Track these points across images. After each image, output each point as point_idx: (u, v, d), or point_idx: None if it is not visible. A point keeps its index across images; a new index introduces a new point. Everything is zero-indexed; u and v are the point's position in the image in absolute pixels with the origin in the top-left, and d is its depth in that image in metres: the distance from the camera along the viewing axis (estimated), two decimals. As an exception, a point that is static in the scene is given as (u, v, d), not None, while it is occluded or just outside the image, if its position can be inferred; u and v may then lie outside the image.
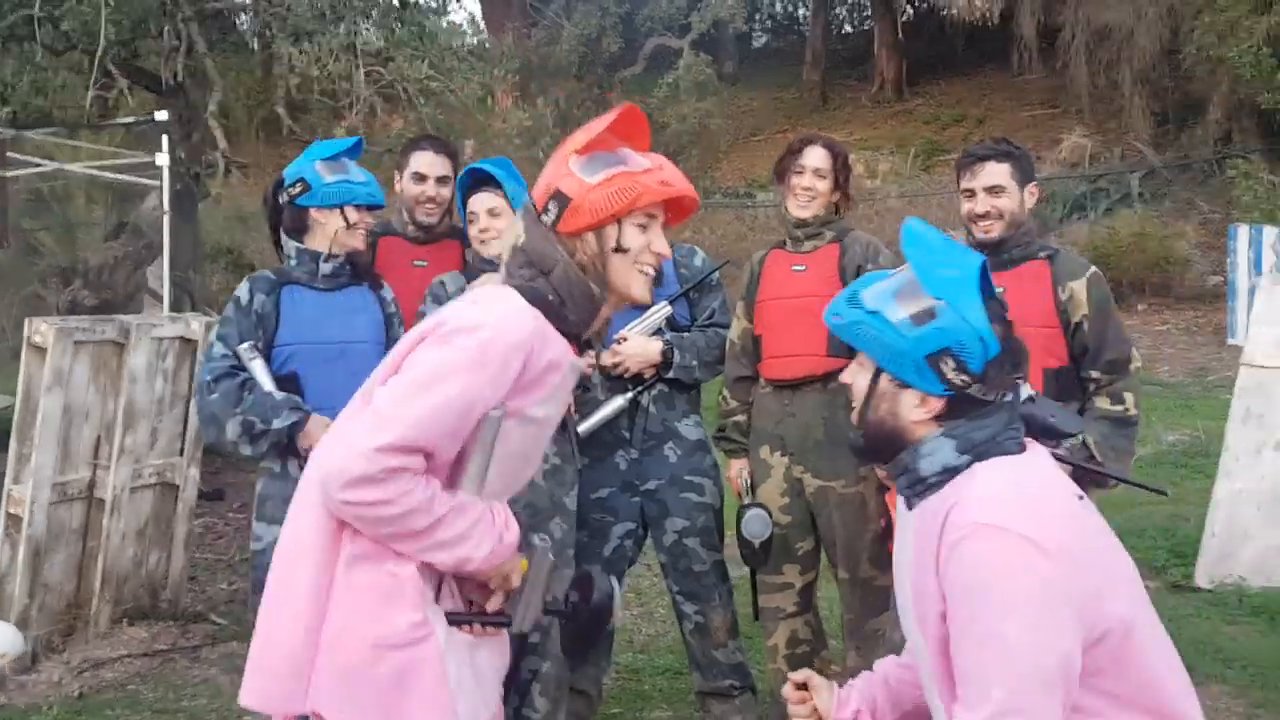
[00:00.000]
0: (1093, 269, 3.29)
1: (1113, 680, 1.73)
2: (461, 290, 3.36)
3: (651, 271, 2.07)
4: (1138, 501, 6.08)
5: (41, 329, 4.40)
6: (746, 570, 3.73)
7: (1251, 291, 11.61)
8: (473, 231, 3.44)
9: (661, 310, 3.62)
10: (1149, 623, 1.79)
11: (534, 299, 1.96)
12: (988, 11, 16.15)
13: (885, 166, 17.93)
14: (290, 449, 3.19)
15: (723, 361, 3.78)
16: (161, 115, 7.07)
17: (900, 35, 21.31)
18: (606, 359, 3.55)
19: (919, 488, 1.84)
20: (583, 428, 3.48)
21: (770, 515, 3.57)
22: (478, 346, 1.86)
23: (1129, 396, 3.19)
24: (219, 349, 3.25)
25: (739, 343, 3.71)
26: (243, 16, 9.38)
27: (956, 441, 1.80)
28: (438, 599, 1.97)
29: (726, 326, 3.79)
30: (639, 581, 5.40)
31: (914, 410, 1.81)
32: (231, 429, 3.15)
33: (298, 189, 3.26)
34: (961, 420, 1.79)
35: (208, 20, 8.27)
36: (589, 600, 2.10)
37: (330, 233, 3.29)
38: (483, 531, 1.94)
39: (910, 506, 1.91)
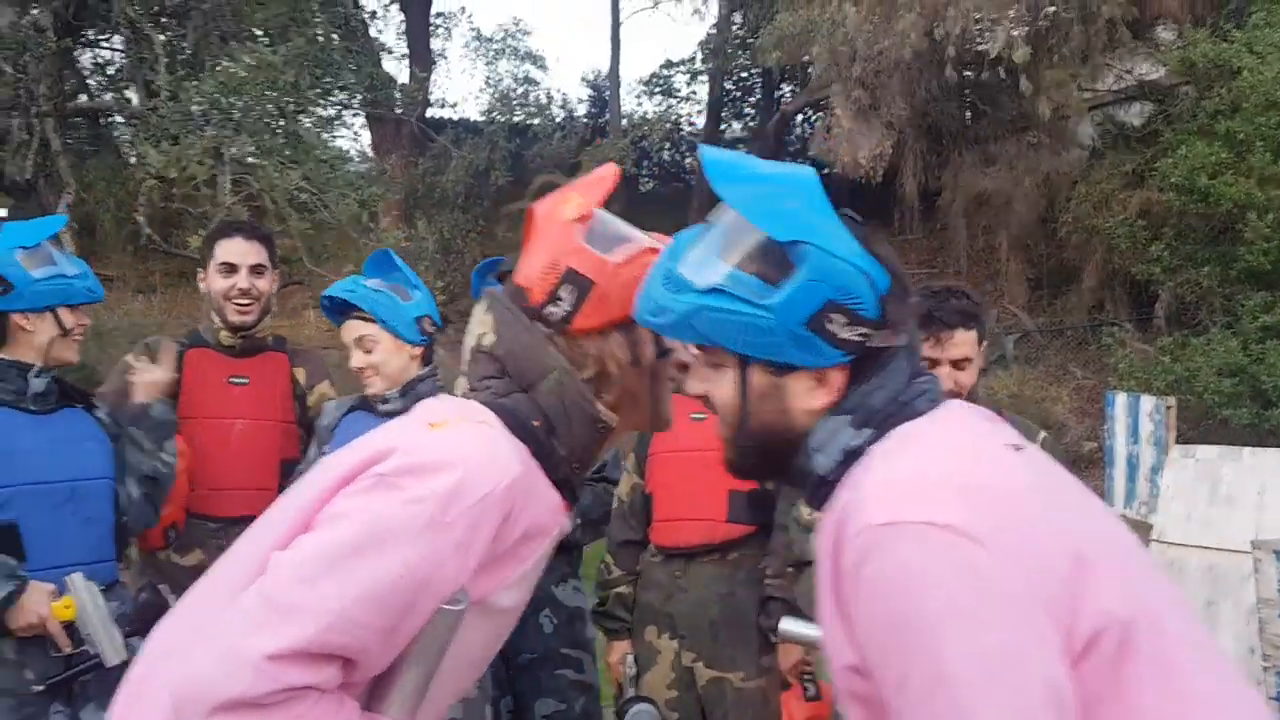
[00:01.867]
0: (1044, 434, 2.94)
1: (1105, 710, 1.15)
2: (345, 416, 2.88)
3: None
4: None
5: None
6: None
7: (1130, 459, 11.72)
8: (351, 366, 2.90)
9: None
10: (1164, 628, 1.19)
11: (514, 426, 1.39)
12: (871, 171, 16.49)
13: (769, 315, 18.03)
14: (0, 627, 2.48)
15: (608, 521, 3.33)
16: (1, 212, 6.49)
17: (785, 188, 21.84)
18: None
19: (823, 492, 1.30)
20: None
21: (659, 711, 3.04)
22: (438, 500, 1.26)
23: None
24: None
25: (627, 501, 3.26)
26: (111, 117, 8.85)
27: (852, 415, 1.29)
28: None
29: (615, 483, 3.37)
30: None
31: (809, 397, 1.30)
32: None
33: None
34: (856, 389, 1.29)
35: (67, 118, 7.73)
36: None
37: (41, 343, 2.64)
38: None
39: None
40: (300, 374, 3.31)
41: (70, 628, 2.44)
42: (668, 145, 26.77)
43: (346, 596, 1.22)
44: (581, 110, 29.56)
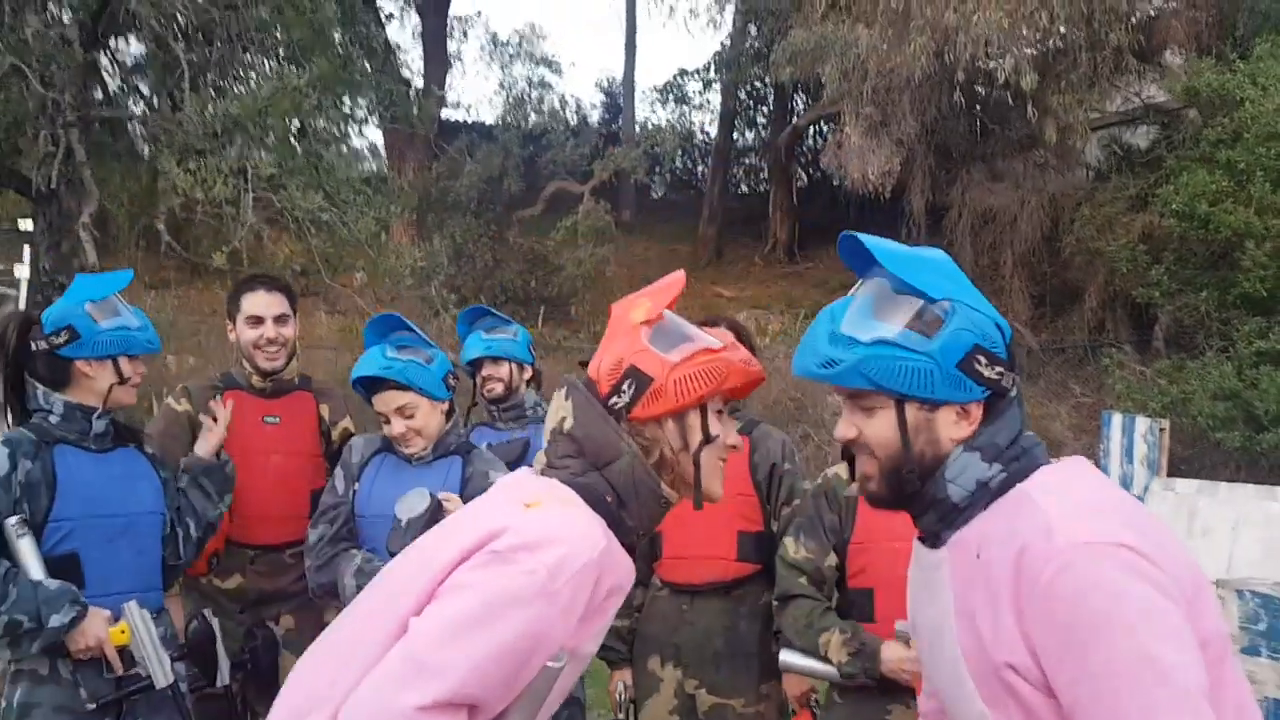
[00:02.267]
0: None
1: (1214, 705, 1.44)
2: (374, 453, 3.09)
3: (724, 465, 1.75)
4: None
5: None
6: None
7: (1123, 479, 11.90)
8: (387, 431, 3.07)
9: None
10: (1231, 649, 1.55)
11: (591, 501, 1.64)
12: (880, 186, 16.69)
13: (775, 326, 18.18)
14: (60, 647, 2.69)
15: None
16: (26, 225, 6.71)
17: (795, 200, 21.98)
18: None
19: (952, 518, 1.57)
20: None
21: None
22: (548, 571, 1.50)
23: None
24: None
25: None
26: (131, 125, 9.07)
27: (980, 451, 1.57)
28: None
29: None
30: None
31: (955, 428, 1.58)
32: None
33: (63, 338, 2.78)
34: (983, 428, 1.57)
35: (91, 126, 7.97)
36: None
37: (102, 389, 2.83)
38: None
39: (937, 545, 1.62)
40: (325, 410, 3.55)
41: (123, 651, 2.66)
42: (680, 153, 27.00)
43: (477, 655, 1.45)
44: (595, 116, 29.81)
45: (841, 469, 3.09)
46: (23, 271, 6.56)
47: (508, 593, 1.48)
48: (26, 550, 2.65)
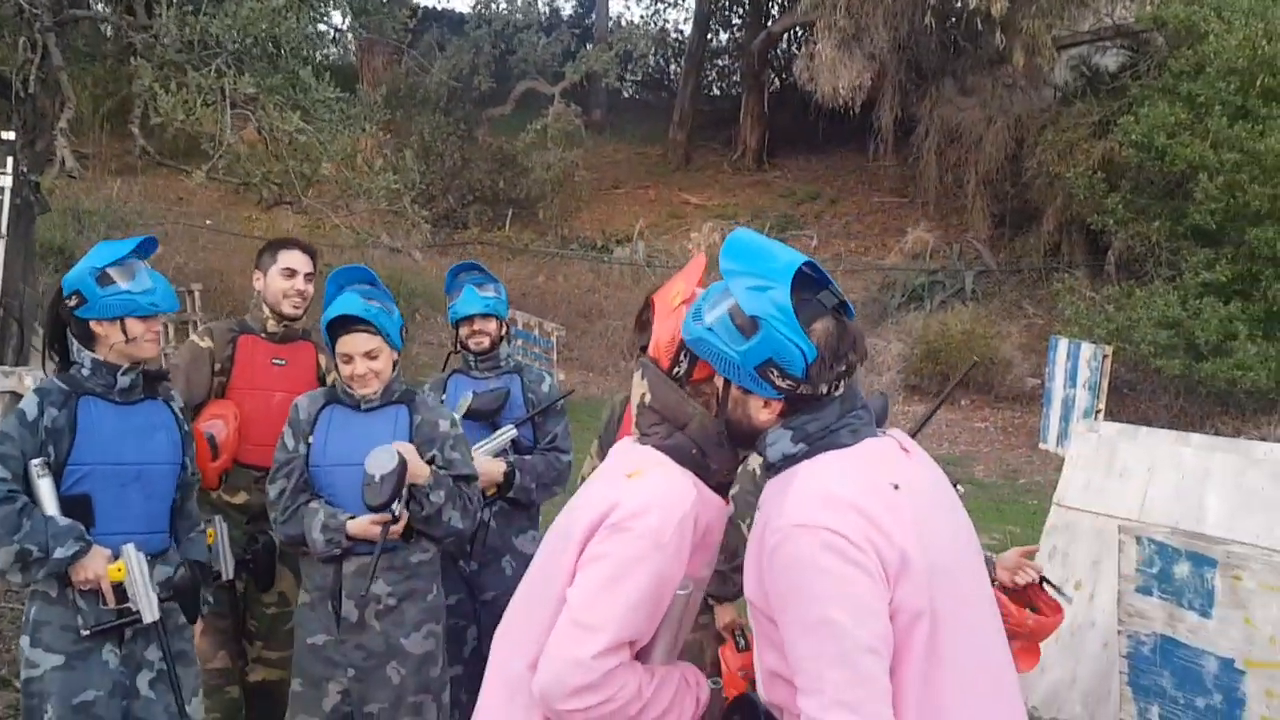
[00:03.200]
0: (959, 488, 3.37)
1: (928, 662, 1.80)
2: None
3: None
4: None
5: None
6: None
7: (1066, 401, 12.41)
8: (345, 371, 3.32)
9: (508, 433, 3.81)
10: (942, 620, 1.82)
11: (680, 458, 2.02)
12: (850, 100, 16.80)
13: (740, 237, 18.37)
14: (66, 576, 2.97)
15: (560, 484, 3.87)
16: (7, 134, 6.80)
17: (765, 107, 22.00)
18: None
19: (768, 471, 1.96)
20: None
21: None
22: (655, 532, 1.92)
23: None
24: None
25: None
26: (104, 28, 9.04)
27: (793, 432, 1.91)
28: None
29: (566, 452, 3.92)
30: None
31: (760, 412, 1.93)
32: (3, 558, 2.87)
33: (74, 301, 3.04)
34: (800, 414, 1.90)
35: (68, 29, 7.97)
36: None
37: (115, 345, 3.07)
38: (682, 697, 2.03)
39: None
40: (322, 360, 3.97)
41: (119, 587, 2.94)
42: (654, 52, 26.77)
43: (621, 607, 1.90)
44: (568, 9, 29.39)
45: None
46: (5, 180, 6.67)
47: (630, 556, 1.91)
48: (45, 490, 2.92)
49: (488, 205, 19.14)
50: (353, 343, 3.25)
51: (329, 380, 3.87)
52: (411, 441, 3.25)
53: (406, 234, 12.36)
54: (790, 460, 1.90)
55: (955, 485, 2.18)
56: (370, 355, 3.26)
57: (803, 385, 1.87)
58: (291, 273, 3.86)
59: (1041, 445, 12.16)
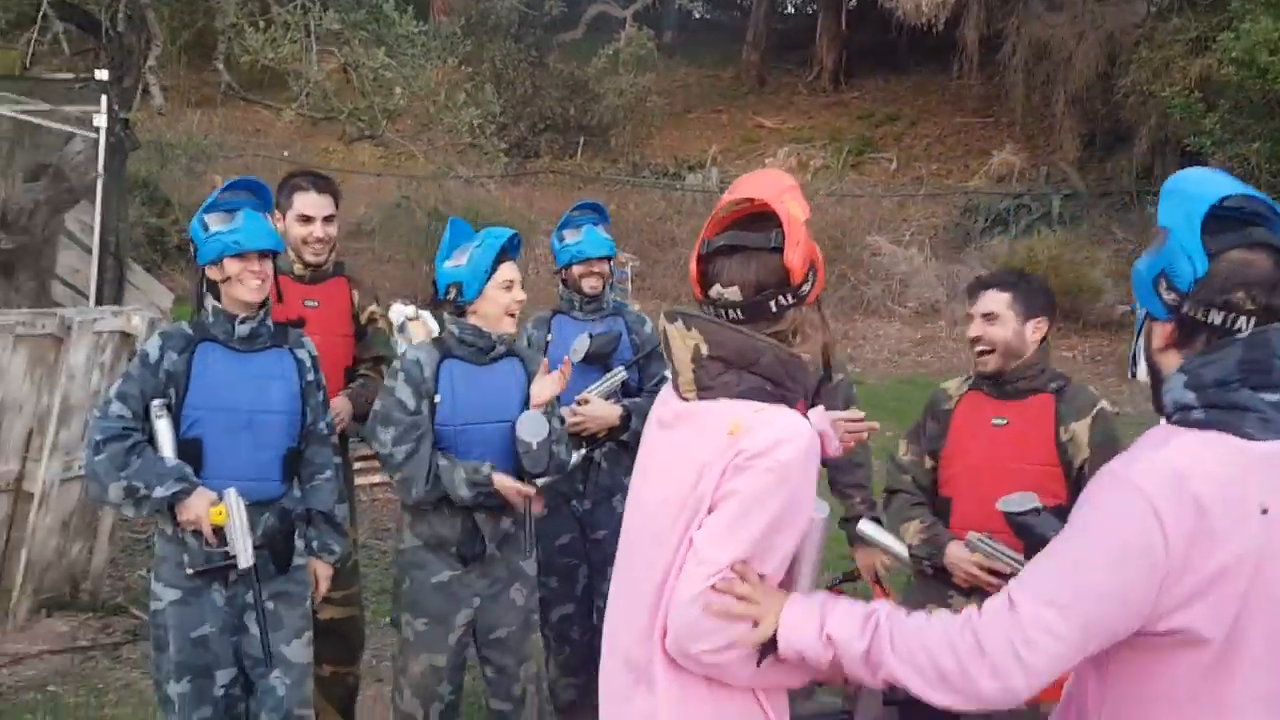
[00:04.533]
0: (1100, 405, 3.16)
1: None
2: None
3: None
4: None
5: (-21, 321, 4.27)
6: None
7: (1156, 330, 12.08)
8: (511, 300, 3.25)
9: (619, 375, 3.79)
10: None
11: (759, 398, 1.95)
12: (933, 17, 16.32)
13: (818, 163, 18.07)
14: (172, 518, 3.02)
15: None
16: (102, 74, 6.87)
17: (843, 25, 21.42)
18: (567, 416, 3.62)
19: (1168, 419, 1.80)
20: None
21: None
22: (782, 465, 1.87)
23: None
24: (116, 408, 3.00)
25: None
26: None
27: (1187, 376, 1.75)
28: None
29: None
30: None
31: (1159, 342, 1.80)
32: (114, 492, 2.95)
33: (192, 249, 3.09)
34: (1196, 355, 1.74)
35: (156, -32, 7.99)
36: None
37: (226, 291, 3.07)
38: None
39: None
40: (356, 295, 3.88)
41: (219, 531, 2.94)
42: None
43: (746, 540, 1.86)
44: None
45: (951, 384, 3.34)
46: (100, 120, 6.76)
47: (758, 490, 1.87)
48: (163, 430, 2.98)
49: (559, 133, 19.00)
50: (511, 270, 3.26)
51: (362, 319, 3.85)
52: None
53: (478, 165, 12.31)
54: (1184, 414, 1.73)
55: None
56: (519, 286, 3.26)
57: (1187, 303, 1.72)
58: (307, 219, 3.73)
59: (1132, 375, 11.88)
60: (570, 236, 3.93)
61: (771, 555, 1.89)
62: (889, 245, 15.07)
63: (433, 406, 3.20)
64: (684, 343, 1.99)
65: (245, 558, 2.96)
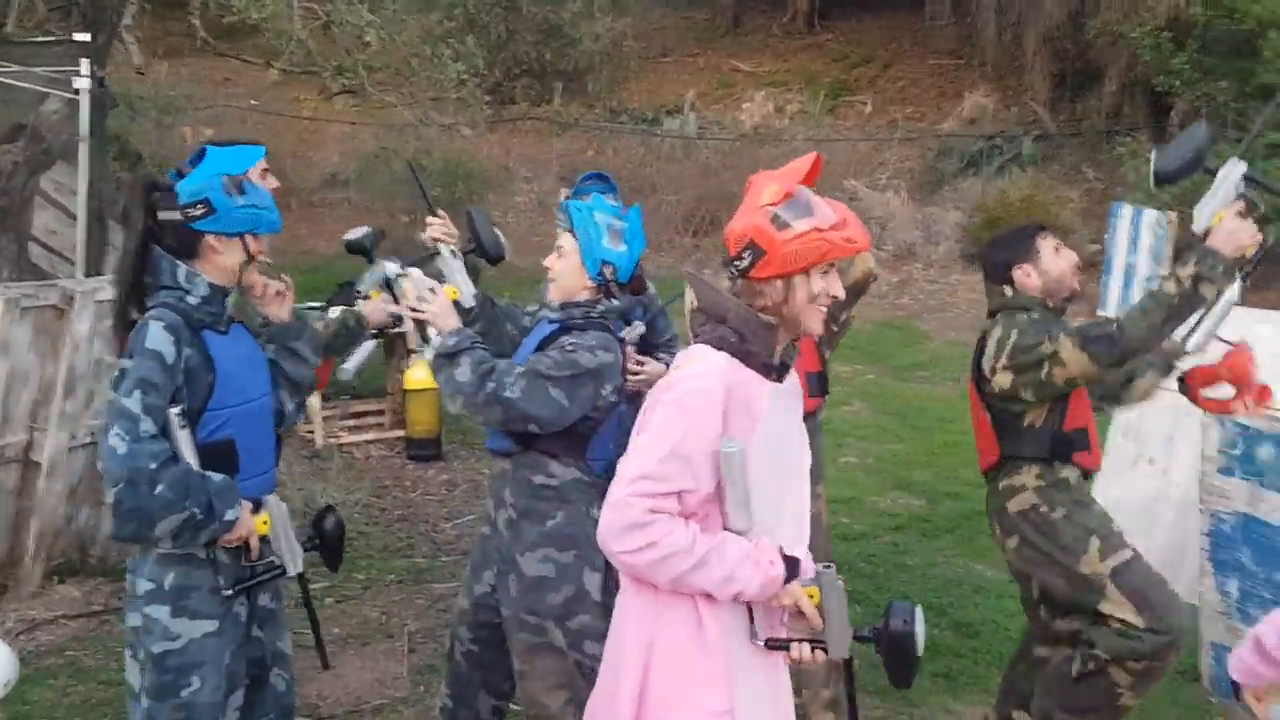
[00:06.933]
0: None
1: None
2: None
3: (825, 310, 2.30)
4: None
5: (-14, 296, 4.35)
6: None
7: (1127, 269, 12.31)
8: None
9: (637, 329, 3.80)
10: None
11: (721, 346, 2.24)
12: (904, -44, 16.28)
13: (794, 107, 18.07)
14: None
15: None
16: (84, 37, 6.88)
17: (817, -35, 21.31)
18: (632, 367, 3.60)
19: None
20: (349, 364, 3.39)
21: None
22: (678, 398, 2.18)
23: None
24: (147, 426, 2.51)
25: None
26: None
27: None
28: (752, 623, 2.27)
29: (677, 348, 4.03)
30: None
31: None
32: (165, 526, 2.52)
33: (200, 210, 2.63)
34: None
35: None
36: (888, 627, 2.25)
37: (227, 265, 2.70)
38: (749, 568, 2.17)
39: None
40: None
41: (264, 541, 2.74)
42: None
43: (655, 456, 2.14)
44: None
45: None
46: (83, 82, 6.76)
47: (662, 419, 2.19)
48: (185, 441, 2.58)
49: (535, 79, 18.89)
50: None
51: None
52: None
53: (455, 113, 12.27)
54: None
55: None
56: (560, 253, 3.19)
57: None
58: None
59: (1100, 311, 12.11)
60: None
61: (681, 478, 2.13)
62: (866, 189, 15.17)
63: None
64: (688, 300, 2.45)
65: (296, 564, 2.81)
